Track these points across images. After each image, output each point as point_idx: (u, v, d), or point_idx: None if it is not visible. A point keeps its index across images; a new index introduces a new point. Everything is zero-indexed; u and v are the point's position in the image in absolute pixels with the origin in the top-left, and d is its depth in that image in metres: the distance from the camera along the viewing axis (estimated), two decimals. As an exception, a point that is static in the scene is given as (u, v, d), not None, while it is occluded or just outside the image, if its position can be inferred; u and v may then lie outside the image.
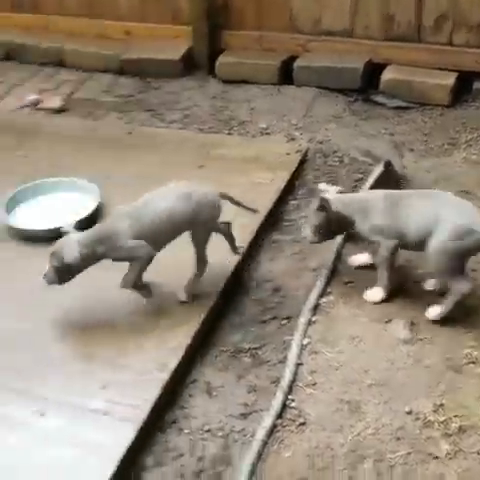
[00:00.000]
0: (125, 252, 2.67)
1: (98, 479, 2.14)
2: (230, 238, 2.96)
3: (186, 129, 4.04)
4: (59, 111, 4.22)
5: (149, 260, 2.72)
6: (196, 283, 2.82)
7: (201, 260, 2.83)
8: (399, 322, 2.66)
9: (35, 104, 4.27)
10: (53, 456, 2.21)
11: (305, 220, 2.98)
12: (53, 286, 2.64)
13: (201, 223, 2.76)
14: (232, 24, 4.52)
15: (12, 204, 3.29)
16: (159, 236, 2.72)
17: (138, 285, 2.74)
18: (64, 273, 2.62)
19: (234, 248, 2.98)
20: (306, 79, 4.34)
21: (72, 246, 2.61)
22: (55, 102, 4.25)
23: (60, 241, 2.65)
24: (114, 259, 2.72)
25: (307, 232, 2.91)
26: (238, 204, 2.91)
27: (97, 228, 2.73)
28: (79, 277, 2.67)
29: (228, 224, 2.93)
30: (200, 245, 2.82)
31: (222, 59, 4.49)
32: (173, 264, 2.82)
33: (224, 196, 2.85)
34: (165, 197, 2.75)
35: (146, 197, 2.77)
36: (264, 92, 4.35)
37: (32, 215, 3.25)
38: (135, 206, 2.74)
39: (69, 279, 2.65)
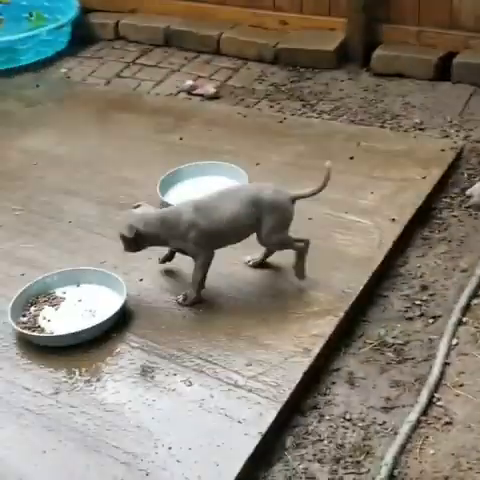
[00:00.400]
0: (185, 244, 2.68)
1: (240, 451, 2.20)
2: (301, 258, 2.77)
3: (337, 120, 4.04)
4: (213, 97, 4.34)
5: (209, 260, 2.71)
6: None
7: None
8: None
9: (191, 90, 4.41)
10: (197, 423, 2.30)
11: None
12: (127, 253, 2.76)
13: (269, 228, 2.69)
14: (391, 18, 4.45)
15: (166, 184, 3.42)
16: (219, 236, 2.70)
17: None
18: (128, 243, 2.71)
19: (300, 271, 2.79)
20: (463, 76, 4.21)
21: (135, 220, 2.67)
22: (209, 88, 4.38)
23: (129, 212, 2.73)
24: (175, 249, 2.76)
25: None
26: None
27: (163, 210, 2.78)
28: (226, 257, 2.74)
29: (305, 242, 2.79)
30: (269, 250, 2.82)
31: (379, 52, 4.44)
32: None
33: (298, 197, 2.76)
34: (234, 198, 2.69)
35: (217, 192, 2.75)
36: (419, 87, 4.27)
37: (183, 195, 3.37)
38: (204, 200, 2.72)
39: (135, 250, 2.74)
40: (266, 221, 2.69)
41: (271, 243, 2.79)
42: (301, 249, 2.79)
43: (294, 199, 2.76)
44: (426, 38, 4.39)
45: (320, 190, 2.79)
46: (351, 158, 3.63)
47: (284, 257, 2.94)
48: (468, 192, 2.97)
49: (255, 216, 2.69)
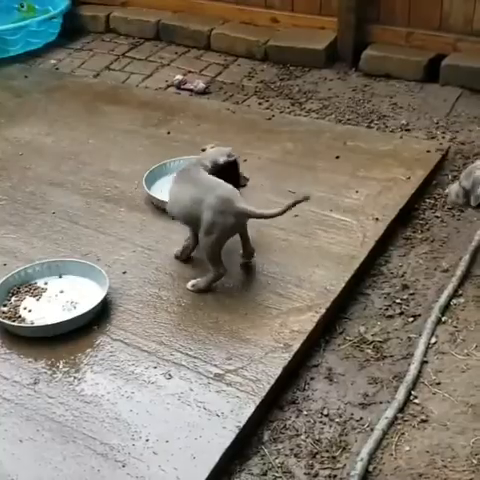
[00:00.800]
0: None
1: (217, 444, 2.21)
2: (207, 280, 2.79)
3: (324, 119, 4.05)
4: (202, 93, 4.34)
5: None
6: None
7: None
8: None
9: (180, 84, 4.41)
10: (175, 416, 2.30)
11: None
12: None
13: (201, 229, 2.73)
14: (381, 18, 4.48)
15: (152, 178, 3.42)
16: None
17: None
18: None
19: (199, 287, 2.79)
20: (452, 78, 4.23)
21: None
22: (199, 84, 4.38)
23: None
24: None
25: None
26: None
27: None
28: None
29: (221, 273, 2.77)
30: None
31: (368, 52, 4.46)
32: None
33: (245, 212, 2.72)
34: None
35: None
36: (406, 88, 4.29)
37: (166, 190, 3.36)
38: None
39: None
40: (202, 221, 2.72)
41: (201, 246, 2.80)
42: (213, 278, 2.78)
43: (240, 213, 2.71)
44: (415, 40, 4.41)
45: (273, 216, 2.77)
46: (337, 157, 3.64)
47: (268, 253, 2.96)
48: (446, 190, 3.02)
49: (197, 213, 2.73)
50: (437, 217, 3.32)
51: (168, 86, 4.46)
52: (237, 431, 2.25)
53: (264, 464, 2.24)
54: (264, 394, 2.37)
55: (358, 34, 4.50)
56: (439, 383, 2.43)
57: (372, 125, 3.99)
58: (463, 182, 2.89)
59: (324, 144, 3.76)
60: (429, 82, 4.31)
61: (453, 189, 2.97)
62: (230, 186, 2.80)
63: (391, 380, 2.49)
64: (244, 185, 3.12)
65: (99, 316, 2.67)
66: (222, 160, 2.96)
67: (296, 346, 2.56)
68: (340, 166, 3.57)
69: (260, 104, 4.23)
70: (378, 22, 4.49)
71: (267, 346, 2.55)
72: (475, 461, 2.12)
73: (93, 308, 2.65)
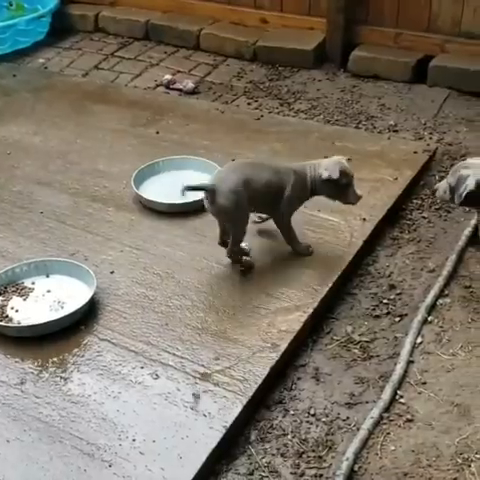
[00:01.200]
0: None
1: (204, 444, 2.22)
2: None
3: (313, 120, 4.07)
4: (191, 92, 4.35)
5: None
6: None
7: None
8: (519, 332, 2.59)
9: (169, 84, 4.41)
10: (162, 416, 2.31)
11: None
12: None
13: None
14: (369, 19, 4.49)
15: (140, 178, 3.42)
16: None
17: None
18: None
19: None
20: (439, 80, 4.26)
21: None
22: (188, 84, 4.38)
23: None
24: None
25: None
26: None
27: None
28: (199, 252, 2.73)
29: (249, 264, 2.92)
30: None
31: (356, 53, 4.48)
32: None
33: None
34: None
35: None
36: (395, 89, 4.31)
37: (157, 189, 3.37)
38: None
39: None
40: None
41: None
42: (237, 260, 2.89)
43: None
44: (404, 41, 4.43)
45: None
46: (325, 157, 3.64)
47: (257, 253, 2.97)
48: (436, 186, 3.04)
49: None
50: (424, 217, 3.34)
51: (157, 86, 4.46)
52: (224, 431, 2.26)
53: (251, 464, 2.25)
54: (251, 394, 2.38)
55: (347, 35, 4.52)
56: (425, 383, 2.44)
57: (360, 126, 4.00)
58: (449, 179, 2.91)
59: (312, 144, 3.77)
60: (417, 83, 4.33)
61: (441, 185, 2.99)
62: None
63: (377, 380, 2.50)
64: (352, 203, 2.97)
65: (86, 316, 2.67)
66: (324, 175, 2.86)
67: (284, 346, 2.57)
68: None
69: (249, 104, 4.23)
70: (367, 23, 4.51)
71: (255, 346, 2.56)
72: (460, 460, 2.14)
73: (80, 308, 2.65)
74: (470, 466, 2.12)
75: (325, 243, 3.06)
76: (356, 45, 4.53)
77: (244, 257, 2.92)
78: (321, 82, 4.44)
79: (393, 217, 3.31)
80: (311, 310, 2.73)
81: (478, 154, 3.67)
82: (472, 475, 2.10)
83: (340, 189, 2.91)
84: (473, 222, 3.16)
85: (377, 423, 2.29)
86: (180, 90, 4.37)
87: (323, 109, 4.17)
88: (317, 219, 3.21)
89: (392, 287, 2.93)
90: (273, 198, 2.86)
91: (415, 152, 3.68)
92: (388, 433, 2.26)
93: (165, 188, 3.33)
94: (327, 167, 2.88)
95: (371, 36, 4.49)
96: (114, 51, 4.89)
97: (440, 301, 2.80)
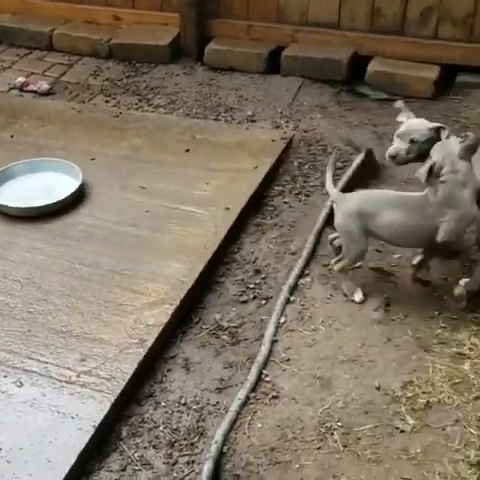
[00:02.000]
0: None
1: (73, 446, 2.19)
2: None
3: (172, 114, 4.08)
4: (46, 94, 4.25)
5: None
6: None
7: None
8: (373, 303, 2.72)
9: (22, 86, 4.29)
10: (28, 423, 2.26)
11: None
12: None
13: None
14: (221, 13, 4.56)
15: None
16: None
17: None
18: None
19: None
20: (292, 69, 4.39)
21: None
22: (42, 85, 4.28)
23: None
24: None
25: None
26: None
27: None
28: (58, 253, 2.68)
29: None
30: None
31: (211, 46, 4.53)
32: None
33: None
34: None
35: None
36: (251, 81, 4.40)
37: (14, 193, 3.27)
38: None
39: None
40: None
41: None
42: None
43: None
44: (255, 32, 4.53)
45: None
46: (187, 150, 3.69)
47: (119, 250, 2.95)
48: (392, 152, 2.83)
49: None
50: (285, 203, 3.44)
51: (10, 89, 4.33)
52: (93, 431, 2.24)
53: (123, 459, 2.24)
54: (119, 391, 2.37)
55: (200, 29, 4.56)
56: (288, 359, 2.52)
57: (219, 117, 4.06)
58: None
59: (173, 138, 3.79)
60: (272, 73, 4.44)
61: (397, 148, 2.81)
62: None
63: (245, 362, 2.56)
64: None
65: None
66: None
67: (151, 340, 2.57)
68: (190, 159, 3.62)
69: (107, 102, 4.20)
70: (219, 16, 4.57)
71: (122, 343, 2.55)
72: (323, 430, 2.23)
73: None
74: (333, 434, 2.21)
75: (190, 235, 3.09)
76: (211, 38, 4.58)
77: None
78: (179, 76, 4.47)
79: (256, 204, 3.39)
80: (178, 302, 2.75)
81: (331, 139, 3.85)
82: (335, 442, 2.19)
83: None
84: (328, 203, 3.28)
85: (244, 404, 2.35)
86: (35, 92, 4.26)
87: (182, 103, 4.19)
88: (181, 212, 3.23)
89: (257, 272, 3.01)
90: None
91: (273, 140, 3.78)
92: (255, 412, 2.32)
93: (21, 192, 3.24)
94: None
95: (224, 29, 4.56)
96: (-37, 55, 4.70)
97: (301, 281, 2.90)
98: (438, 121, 3.95)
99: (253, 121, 4.04)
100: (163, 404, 2.43)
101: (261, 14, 4.50)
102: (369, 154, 3.64)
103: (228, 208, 3.27)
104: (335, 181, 3.46)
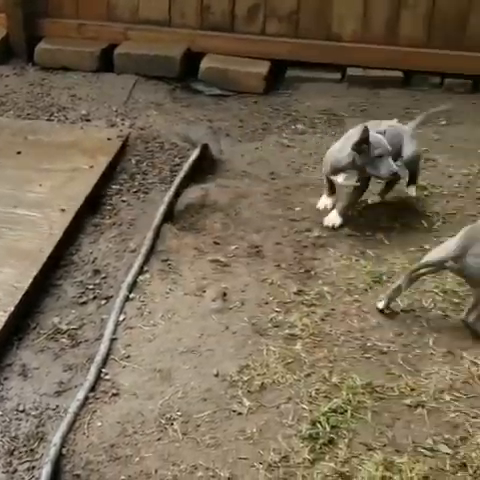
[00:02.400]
0: None
1: None
2: None
3: (3, 116, 3.96)
4: None
5: None
6: None
7: None
8: (212, 294, 2.79)
9: None
10: None
11: None
12: None
13: None
14: (50, 12, 4.48)
15: None
16: None
17: None
18: None
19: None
20: (126, 67, 4.40)
21: None
22: None
23: None
24: None
25: None
26: None
27: None
28: None
29: None
30: None
31: (41, 46, 4.45)
32: None
33: None
34: None
35: None
36: (84, 79, 4.37)
37: None
38: None
39: None
40: None
41: None
42: None
43: None
44: (87, 31, 4.49)
45: None
46: (18, 152, 3.59)
47: None
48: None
49: None
50: (124, 201, 3.43)
51: None
52: None
53: (-42, 475, 2.16)
54: None
55: (29, 29, 4.47)
56: (128, 356, 2.53)
57: (52, 118, 4.00)
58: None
59: (4, 140, 3.68)
60: (105, 72, 4.42)
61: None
62: None
63: (85, 363, 2.53)
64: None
65: None
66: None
67: (-16, 350, 2.49)
68: (22, 161, 3.53)
69: None
70: (48, 16, 4.49)
71: (-47, 355, 2.45)
72: (163, 421, 2.26)
73: None
74: (173, 424, 2.25)
75: (24, 239, 3.02)
76: (41, 38, 4.48)
77: None
78: (9, 77, 4.35)
79: (93, 204, 3.35)
80: (12, 308, 2.67)
81: (168, 136, 3.89)
82: (175, 432, 2.23)
83: None
84: (166, 199, 3.32)
85: (83, 404, 2.33)
86: None
87: (13, 104, 4.09)
88: (14, 216, 3.15)
89: (97, 272, 2.98)
90: None
91: (109, 139, 3.76)
92: (95, 411, 2.31)
93: None
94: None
95: (54, 28, 4.49)
96: None
97: (141, 277, 2.91)
98: (270, 115, 4.18)
99: (88, 120, 4.00)
100: (0, 413, 2.35)
101: (92, 13, 4.47)
102: (205, 149, 3.72)
103: (63, 209, 3.22)
104: (172, 177, 3.57)
